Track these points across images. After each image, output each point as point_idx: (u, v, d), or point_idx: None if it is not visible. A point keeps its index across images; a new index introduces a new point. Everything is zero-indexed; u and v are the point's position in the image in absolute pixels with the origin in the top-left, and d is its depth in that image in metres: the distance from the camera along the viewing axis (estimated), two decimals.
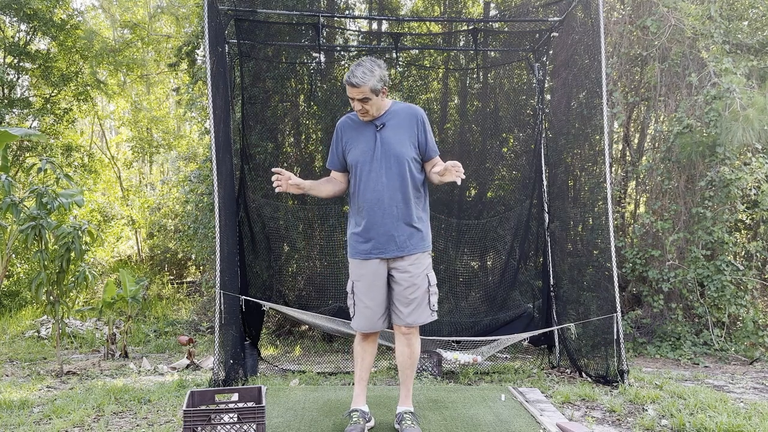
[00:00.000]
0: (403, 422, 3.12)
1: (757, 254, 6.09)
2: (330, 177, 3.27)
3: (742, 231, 6.48)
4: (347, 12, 6.96)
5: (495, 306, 5.57)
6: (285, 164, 6.19)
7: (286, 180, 3.02)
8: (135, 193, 12.66)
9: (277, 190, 3.00)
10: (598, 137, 4.80)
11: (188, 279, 10.78)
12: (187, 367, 5.19)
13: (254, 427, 2.68)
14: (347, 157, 3.13)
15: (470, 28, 5.63)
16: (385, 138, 3.05)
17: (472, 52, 5.78)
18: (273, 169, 3.03)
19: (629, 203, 7.33)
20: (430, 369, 4.72)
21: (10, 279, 8.96)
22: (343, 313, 5.03)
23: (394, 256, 3.04)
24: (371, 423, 3.24)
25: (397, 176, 3.03)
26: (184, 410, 2.68)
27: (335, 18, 6.39)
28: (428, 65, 6.57)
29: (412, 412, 3.19)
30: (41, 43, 10.38)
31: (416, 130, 3.08)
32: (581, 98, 5.11)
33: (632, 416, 3.56)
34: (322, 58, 5.87)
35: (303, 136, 6.45)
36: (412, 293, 3.06)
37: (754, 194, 5.79)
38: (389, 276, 3.10)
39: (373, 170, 3.03)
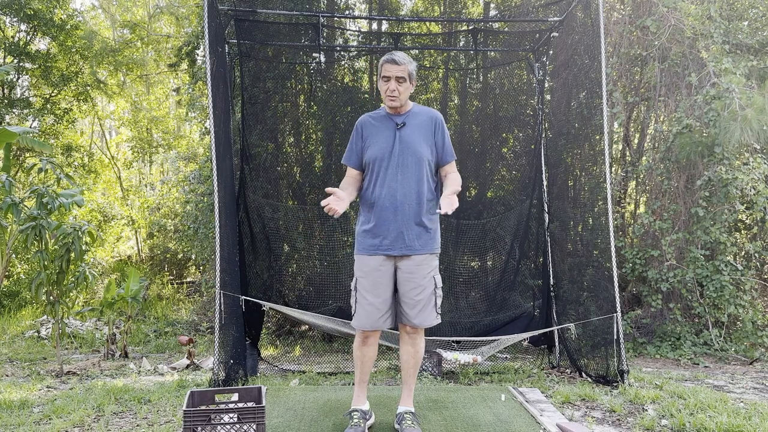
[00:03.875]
0: (403, 422, 3.12)
1: (756, 254, 6.09)
2: (348, 180, 3.19)
3: (742, 231, 6.48)
4: (347, 12, 6.96)
5: (495, 306, 5.57)
6: (285, 164, 6.19)
7: (335, 200, 2.85)
8: (135, 193, 12.67)
9: (335, 214, 2.82)
10: (598, 137, 4.80)
11: (188, 279, 10.78)
12: (187, 367, 5.19)
13: (254, 427, 2.68)
14: (365, 153, 3.12)
15: (470, 28, 5.63)
16: (405, 137, 3.07)
17: (472, 52, 5.78)
18: (328, 189, 2.88)
19: (629, 203, 7.33)
20: (430, 369, 4.72)
21: (10, 279, 8.97)
22: (343, 313, 5.03)
23: (401, 255, 3.04)
24: (371, 420, 3.25)
25: (414, 175, 3.05)
26: (184, 410, 2.68)
27: (335, 18, 6.39)
28: (428, 65, 6.57)
29: (412, 412, 3.19)
30: (41, 43, 10.39)
31: (434, 132, 3.12)
32: (581, 98, 5.11)
33: (632, 416, 3.57)
34: (322, 58, 5.87)
35: (303, 136, 6.45)
36: (418, 294, 3.05)
37: (753, 194, 5.79)
38: (396, 276, 3.09)
39: (390, 167, 3.04)
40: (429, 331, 5.28)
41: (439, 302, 3.12)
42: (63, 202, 4.73)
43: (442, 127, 3.15)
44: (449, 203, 2.83)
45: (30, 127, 9.63)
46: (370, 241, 3.06)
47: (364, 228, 3.11)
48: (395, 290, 3.11)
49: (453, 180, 3.11)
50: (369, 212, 3.10)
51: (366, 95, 6.49)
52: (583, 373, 4.68)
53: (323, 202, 2.80)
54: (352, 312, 3.13)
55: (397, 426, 3.17)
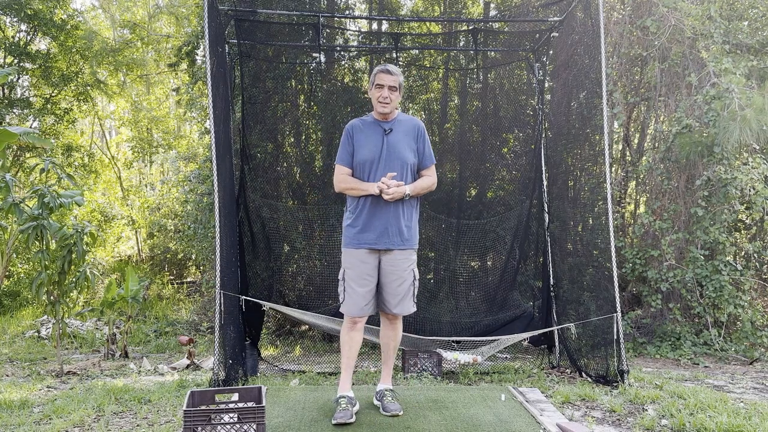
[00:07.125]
0: (384, 399, 3.49)
1: (755, 254, 6.08)
2: (348, 176, 3.46)
3: (742, 231, 6.48)
4: (347, 12, 6.96)
5: (495, 306, 5.57)
6: (285, 164, 6.19)
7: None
8: (135, 193, 12.66)
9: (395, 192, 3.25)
10: (598, 137, 4.80)
11: (188, 279, 10.78)
12: (187, 367, 5.19)
13: (254, 427, 2.68)
14: (355, 155, 3.40)
15: (470, 28, 5.63)
16: (392, 142, 3.37)
17: (472, 52, 5.78)
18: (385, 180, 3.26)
19: (629, 203, 7.33)
20: (430, 369, 4.72)
21: (11, 279, 8.97)
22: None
23: (385, 249, 3.34)
24: (356, 407, 3.49)
25: (399, 177, 3.33)
26: (185, 410, 2.68)
27: (335, 18, 6.39)
28: (428, 65, 6.57)
29: (392, 390, 3.59)
30: (41, 43, 10.39)
31: (417, 139, 3.45)
32: (581, 98, 5.11)
33: (632, 416, 3.57)
34: (322, 59, 5.87)
35: (303, 136, 6.45)
36: (399, 286, 3.39)
37: (752, 194, 5.79)
38: (380, 268, 3.39)
39: (379, 169, 3.34)
40: (429, 331, 5.29)
41: (416, 292, 3.48)
42: (63, 202, 4.74)
43: (423, 134, 3.50)
44: (393, 185, 3.23)
45: (30, 127, 9.63)
46: (358, 235, 3.38)
47: (351, 224, 3.40)
48: (379, 281, 3.39)
49: (424, 179, 3.46)
50: (357, 209, 3.39)
51: (366, 95, 6.49)
52: (583, 373, 4.68)
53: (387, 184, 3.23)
54: (340, 300, 3.42)
55: (377, 402, 3.52)
